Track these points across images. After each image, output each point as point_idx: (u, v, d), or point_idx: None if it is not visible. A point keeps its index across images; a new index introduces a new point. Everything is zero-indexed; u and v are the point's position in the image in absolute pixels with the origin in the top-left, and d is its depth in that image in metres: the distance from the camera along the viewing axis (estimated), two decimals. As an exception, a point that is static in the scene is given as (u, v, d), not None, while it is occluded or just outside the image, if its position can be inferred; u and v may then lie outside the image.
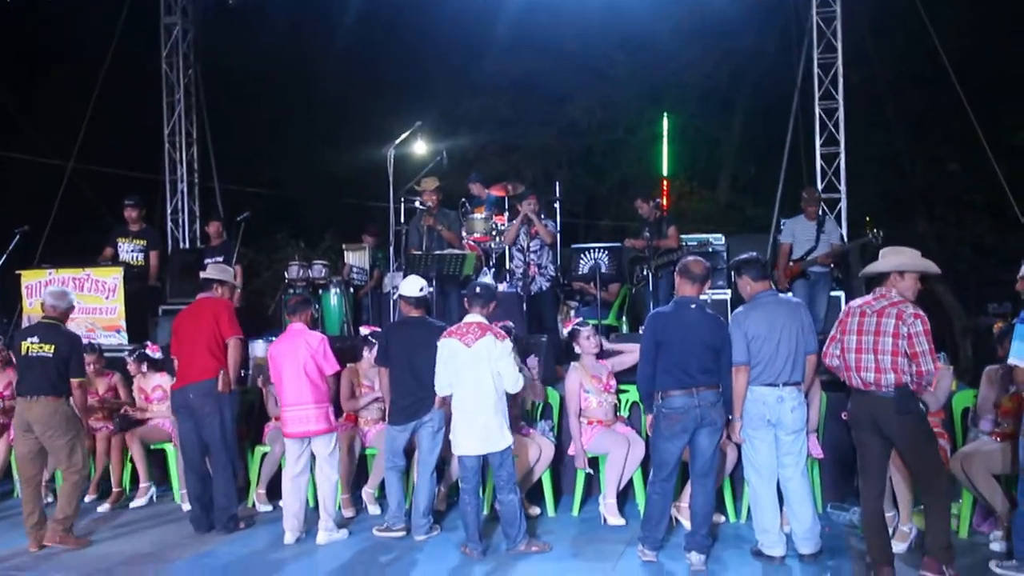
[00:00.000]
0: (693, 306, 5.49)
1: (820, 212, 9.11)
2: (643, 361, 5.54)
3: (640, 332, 5.93)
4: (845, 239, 9.35)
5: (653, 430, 5.52)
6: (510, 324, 6.87)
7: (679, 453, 5.49)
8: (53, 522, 6.10)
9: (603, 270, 8.52)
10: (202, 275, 6.94)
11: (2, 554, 6.09)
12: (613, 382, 6.73)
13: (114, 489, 7.41)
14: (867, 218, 9.51)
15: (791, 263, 8.80)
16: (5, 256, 9.30)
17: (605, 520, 6.42)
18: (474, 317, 5.87)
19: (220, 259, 8.67)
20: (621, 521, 6.37)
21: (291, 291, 9.18)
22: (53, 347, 6.07)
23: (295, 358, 6.17)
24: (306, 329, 6.36)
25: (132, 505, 7.31)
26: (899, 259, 5.19)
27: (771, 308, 5.47)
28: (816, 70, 10.91)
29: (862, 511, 5.25)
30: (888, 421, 4.99)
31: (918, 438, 5.06)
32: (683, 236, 9.01)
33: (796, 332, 5.38)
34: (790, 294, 8.27)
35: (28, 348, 6.10)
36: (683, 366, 5.36)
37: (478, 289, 5.99)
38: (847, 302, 6.16)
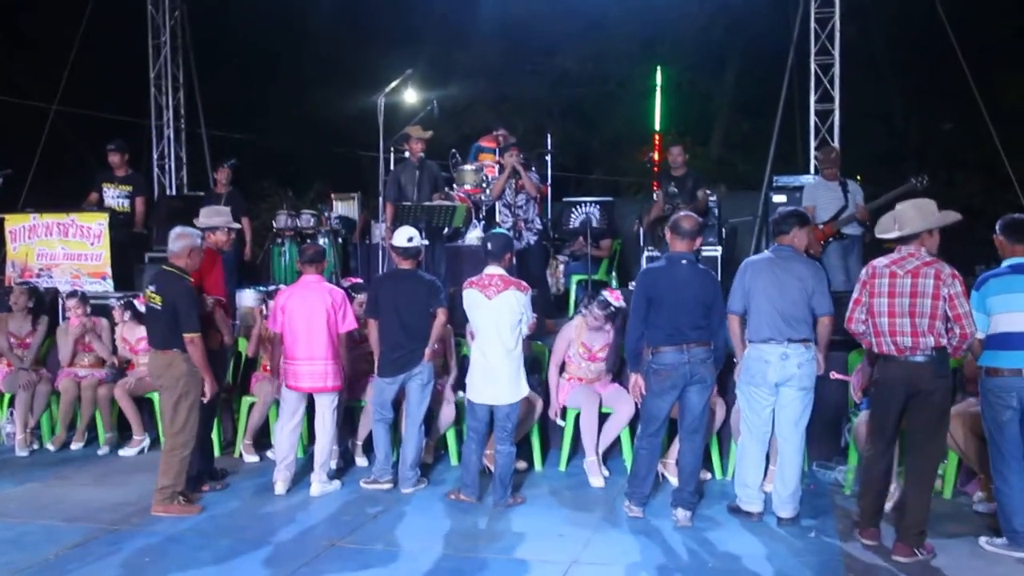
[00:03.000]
0: (684, 262, 5.45)
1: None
2: (633, 318, 5.50)
3: (631, 288, 5.90)
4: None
5: (645, 386, 5.50)
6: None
7: (668, 409, 5.50)
8: (156, 492, 5.71)
9: (594, 224, 8.43)
10: (197, 223, 6.39)
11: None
12: (602, 355, 6.66)
13: (106, 435, 7.39)
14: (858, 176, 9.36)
15: (821, 225, 8.29)
16: (-12, 200, 9.19)
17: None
18: (495, 269, 5.83)
19: (227, 209, 8.50)
20: (600, 483, 6.35)
21: (307, 240, 9.05)
22: (161, 298, 5.64)
23: (310, 311, 6.07)
24: (323, 281, 6.26)
25: (121, 453, 7.29)
26: (934, 215, 4.98)
27: (776, 263, 5.41)
28: (813, 24, 10.75)
29: (865, 469, 5.20)
30: (923, 386, 4.84)
31: (944, 406, 4.97)
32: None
33: (804, 290, 5.30)
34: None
35: (148, 297, 5.76)
36: (674, 322, 5.34)
37: (495, 243, 5.93)
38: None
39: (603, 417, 6.54)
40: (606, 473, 6.50)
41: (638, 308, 5.47)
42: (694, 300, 5.36)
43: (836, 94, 10.70)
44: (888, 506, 5.37)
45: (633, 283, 5.80)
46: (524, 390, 5.84)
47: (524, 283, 5.92)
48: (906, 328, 4.86)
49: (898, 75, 14.39)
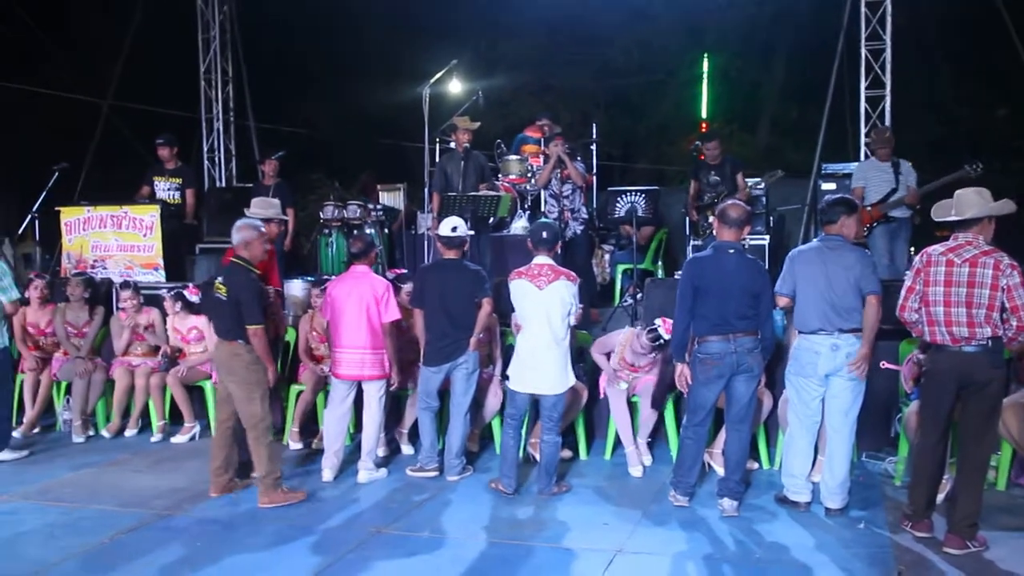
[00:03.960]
0: (731, 251, 5.40)
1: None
2: (680, 309, 5.45)
3: (677, 276, 5.86)
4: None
5: (691, 375, 5.47)
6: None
7: (714, 399, 5.47)
8: (259, 484, 5.75)
9: (639, 213, 8.39)
10: (248, 212, 6.47)
11: (46, 483, 6.25)
12: (646, 370, 6.58)
13: (158, 422, 7.54)
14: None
15: (869, 207, 8.19)
16: (45, 193, 9.38)
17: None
18: (544, 259, 5.82)
19: (276, 201, 8.60)
20: (639, 472, 6.34)
21: (354, 232, 9.12)
22: (227, 289, 5.67)
23: (357, 301, 6.13)
24: (371, 273, 6.32)
25: (173, 440, 7.43)
26: (994, 201, 4.86)
27: (824, 253, 5.35)
28: (863, 9, 10.54)
29: (917, 460, 5.12)
30: (978, 377, 4.76)
31: (998, 396, 4.88)
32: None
33: (853, 278, 5.23)
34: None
35: (216, 287, 5.75)
36: (721, 312, 5.31)
37: (544, 233, 5.91)
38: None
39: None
40: (647, 462, 6.49)
41: (684, 298, 5.42)
42: (741, 290, 5.31)
43: (887, 80, 10.49)
44: (940, 497, 5.27)
45: (679, 272, 5.74)
46: (571, 380, 5.84)
47: (573, 273, 5.92)
48: (962, 318, 4.76)
49: (951, 60, 14.05)
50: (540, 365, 5.72)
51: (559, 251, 6.14)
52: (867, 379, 5.37)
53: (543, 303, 5.70)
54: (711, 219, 7.83)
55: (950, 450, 5.18)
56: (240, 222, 5.93)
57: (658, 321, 6.30)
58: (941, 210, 4.99)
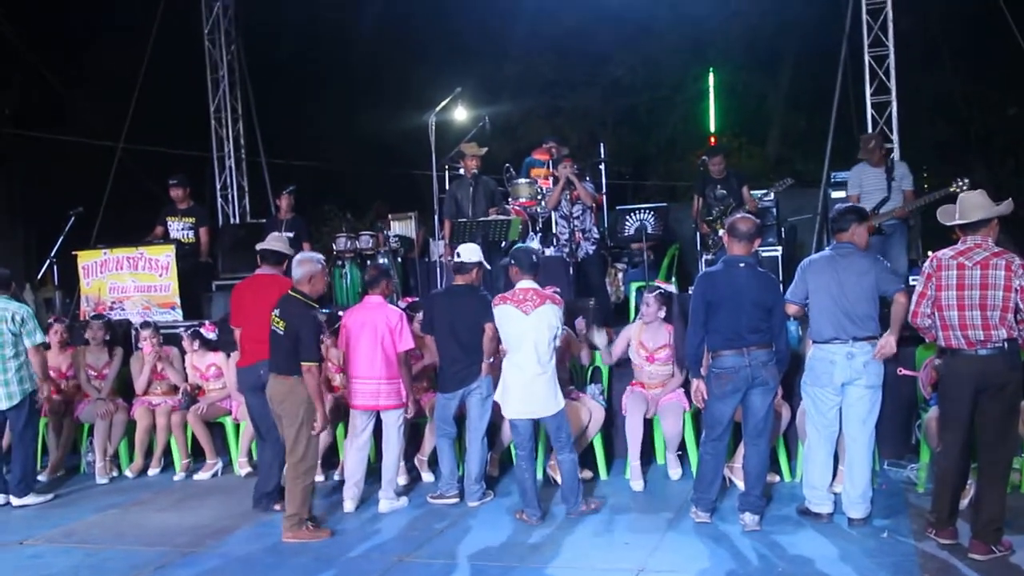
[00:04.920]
0: (742, 265, 5.40)
1: (887, 157, 8.48)
2: (693, 324, 5.45)
3: (690, 292, 5.88)
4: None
5: (707, 391, 5.47)
6: (557, 290, 6.85)
7: (731, 413, 5.45)
8: (284, 520, 5.72)
9: (649, 231, 8.42)
10: (259, 247, 6.56)
11: (71, 526, 6.30)
12: (664, 354, 6.67)
13: (182, 460, 7.59)
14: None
15: None
16: (62, 237, 9.50)
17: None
18: (529, 283, 5.83)
19: (291, 235, 8.70)
20: (639, 486, 6.40)
21: (368, 263, 9.17)
22: (285, 323, 5.60)
23: (372, 331, 6.15)
24: (384, 303, 6.33)
25: (195, 477, 7.47)
26: (997, 204, 4.85)
27: (836, 261, 5.35)
28: (865, 16, 10.57)
29: (939, 466, 5.09)
30: (995, 379, 4.73)
31: (1017, 398, 4.84)
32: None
33: (868, 284, 5.23)
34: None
35: (272, 321, 5.68)
36: (734, 326, 5.30)
37: (524, 256, 5.94)
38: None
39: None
40: (675, 475, 6.58)
41: (697, 313, 5.42)
42: (753, 303, 5.31)
43: (892, 85, 10.48)
44: (963, 503, 5.23)
45: (692, 288, 5.76)
46: (561, 401, 5.77)
47: (558, 296, 5.93)
48: (976, 321, 4.74)
49: (957, 61, 14.01)
50: (531, 389, 5.68)
51: (572, 272, 6.16)
52: (885, 386, 5.36)
53: (530, 328, 5.66)
54: (720, 232, 7.85)
55: (972, 455, 5.14)
56: (302, 256, 5.88)
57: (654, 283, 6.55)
58: (946, 215, 4.99)
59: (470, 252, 6.31)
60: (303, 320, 5.58)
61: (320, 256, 6.01)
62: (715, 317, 5.36)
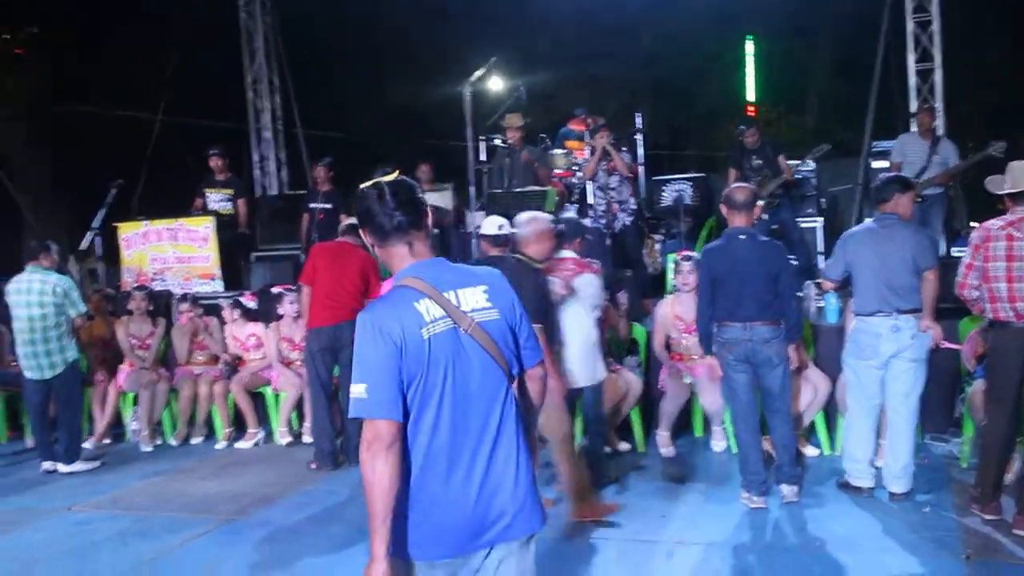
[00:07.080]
0: (743, 236, 5.29)
1: (935, 130, 8.37)
2: (701, 301, 5.41)
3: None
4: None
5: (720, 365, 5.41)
6: (595, 262, 6.81)
7: (746, 383, 5.34)
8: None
9: (687, 201, 8.35)
10: (346, 221, 6.80)
11: (117, 493, 6.42)
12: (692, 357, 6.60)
13: (224, 429, 7.70)
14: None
15: None
16: (104, 210, 9.62)
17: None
18: (567, 253, 5.78)
19: (330, 206, 8.73)
20: (670, 453, 6.51)
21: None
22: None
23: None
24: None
25: (237, 446, 7.58)
26: None
27: (877, 233, 5.26)
28: (908, -19, 10.35)
29: (984, 440, 5.03)
30: None
31: None
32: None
33: (909, 256, 5.13)
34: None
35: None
36: (737, 299, 5.21)
37: (563, 226, 5.91)
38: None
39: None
40: (718, 448, 6.59)
41: (704, 290, 5.37)
42: (755, 276, 5.19)
43: (936, 52, 10.25)
44: (1008, 478, 5.16)
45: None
46: (603, 372, 5.74)
47: (595, 265, 5.88)
48: None
49: (1002, 25, 13.64)
50: (572, 359, 5.63)
51: (608, 244, 6.11)
52: (928, 359, 5.28)
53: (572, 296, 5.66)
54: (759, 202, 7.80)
55: (1018, 429, 5.08)
56: (530, 214, 5.36)
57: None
58: (995, 184, 4.89)
59: (505, 224, 6.27)
60: (529, 285, 4.81)
61: (549, 216, 5.53)
62: (721, 292, 5.28)
